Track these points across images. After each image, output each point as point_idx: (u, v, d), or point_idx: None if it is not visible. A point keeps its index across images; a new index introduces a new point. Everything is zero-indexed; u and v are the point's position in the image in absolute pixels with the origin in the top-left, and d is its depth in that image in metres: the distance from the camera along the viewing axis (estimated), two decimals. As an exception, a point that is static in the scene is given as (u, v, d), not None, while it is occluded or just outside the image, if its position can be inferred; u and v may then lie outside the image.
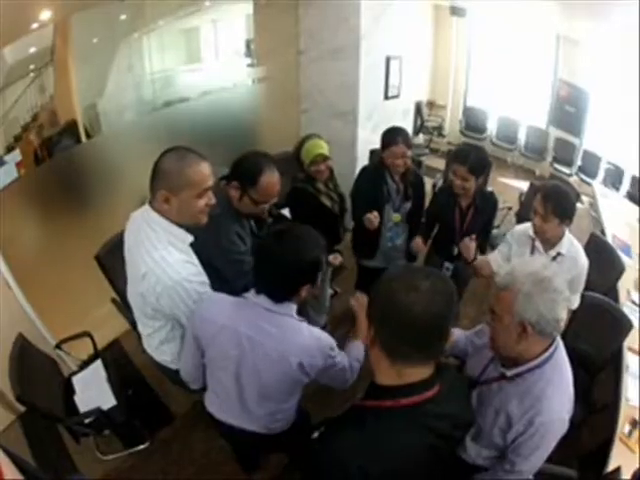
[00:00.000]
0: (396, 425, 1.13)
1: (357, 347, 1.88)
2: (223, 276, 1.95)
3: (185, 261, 1.72)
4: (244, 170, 2.03)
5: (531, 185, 5.29)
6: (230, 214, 2.08)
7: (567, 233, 2.40)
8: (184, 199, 1.65)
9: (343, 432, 1.15)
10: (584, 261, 2.41)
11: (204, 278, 1.77)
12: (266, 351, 1.57)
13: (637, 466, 2.04)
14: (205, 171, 1.67)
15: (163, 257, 1.65)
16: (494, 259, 2.64)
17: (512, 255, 2.58)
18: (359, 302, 2.01)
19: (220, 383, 1.76)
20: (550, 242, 2.40)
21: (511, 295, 1.34)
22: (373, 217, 2.82)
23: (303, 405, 1.98)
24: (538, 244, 2.45)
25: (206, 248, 1.85)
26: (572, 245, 2.41)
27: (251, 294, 1.61)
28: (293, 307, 1.62)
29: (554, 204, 2.28)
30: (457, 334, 1.93)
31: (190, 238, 1.75)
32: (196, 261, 1.78)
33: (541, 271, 1.35)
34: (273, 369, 1.60)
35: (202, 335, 1.65)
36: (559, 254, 2.38)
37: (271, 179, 2.03)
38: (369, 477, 1.07)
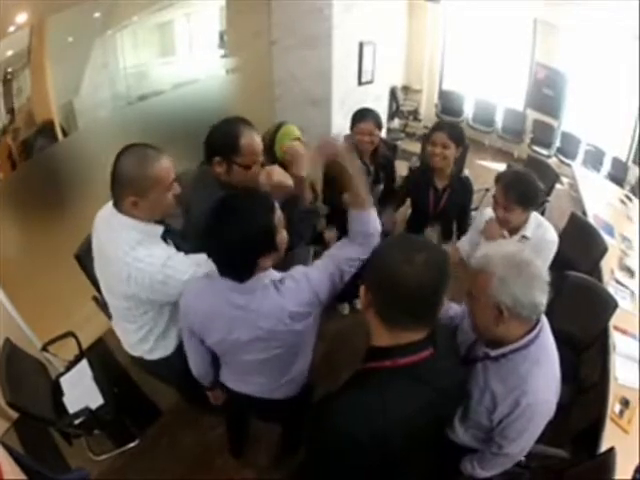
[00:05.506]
0: (397, 384, 1.17)
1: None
2: None
3: (164, 250, 1.73)
4: (220, 141, 1.93)
5: (508, 167, 5.30)
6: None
7: (534, 215, 2.33)
8: (153, 198, 1.66)
9: (346, 394, 1.19)
10: (553, 239, 2.34)
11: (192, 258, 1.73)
12: (263, 316, 1.50)
13: (629, 446, 2.05)
14: (167, 165, 1.67)
15: (144, 254, 1.65)
16: (462, 246, 2.62)
17: (479, 241, 2.51)
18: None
19: (231, 361, 1.78)
20: (515, 227, 2.31)
21: (486, 277, 1.34)
22: None
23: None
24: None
25: None
26: (539, 227, 2.33)
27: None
28: (262, 277, 1.50)
29: (517, 193, 2.19)
30: (455, 308, 1.88)
31: (160, 229, 1.76)
32: (173, 248, 1.78)
33: (517, 254, 1.35)
34: (277, 327, 1.52)
35: (193, 325, 1.65)
36: (524, 237, 2.30)
37: (251, 138, 1.93)
38: (375, 436, 1.10)
